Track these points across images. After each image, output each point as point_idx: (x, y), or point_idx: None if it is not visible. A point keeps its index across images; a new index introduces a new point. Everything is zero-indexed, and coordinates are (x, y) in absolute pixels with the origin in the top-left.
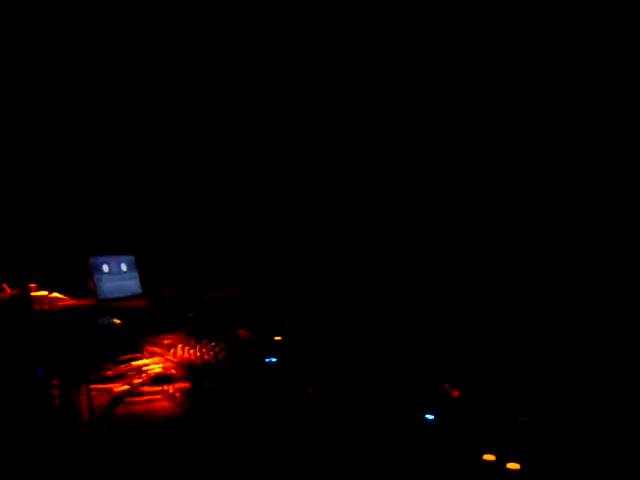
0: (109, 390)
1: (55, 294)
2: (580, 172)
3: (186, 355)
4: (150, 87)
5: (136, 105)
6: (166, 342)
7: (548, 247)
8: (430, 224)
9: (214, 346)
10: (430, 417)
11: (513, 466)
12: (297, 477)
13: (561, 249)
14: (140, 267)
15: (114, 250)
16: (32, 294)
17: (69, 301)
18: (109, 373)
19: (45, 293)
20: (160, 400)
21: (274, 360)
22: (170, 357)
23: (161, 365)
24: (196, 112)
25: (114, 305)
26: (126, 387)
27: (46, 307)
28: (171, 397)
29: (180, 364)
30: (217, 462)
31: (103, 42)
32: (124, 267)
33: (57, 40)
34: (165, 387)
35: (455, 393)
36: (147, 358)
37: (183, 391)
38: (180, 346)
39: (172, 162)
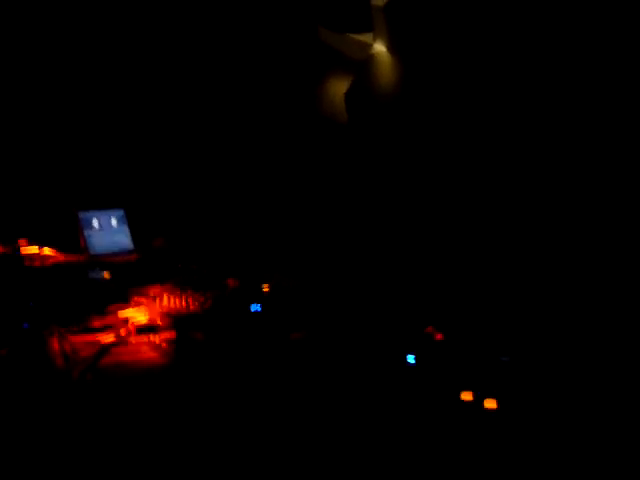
0: (95, 341)
1: (46, 249)
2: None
3: (172, 305)
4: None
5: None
6: (152, 293)
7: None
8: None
9: (200, 295)
10: (411, 359)
11: (490, 404)
12: (281, 426)
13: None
14: (130, 220)
15: (104, 203)
16: (23, 251)
17: (60, 257)
18: (96, 324)
19: (36, 249)
20: (146, 351)
21: (259, 308)
22: (156, 307)
23: (147, 316)
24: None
25: (104, 260)
26: (112, 338)
27: (37, 264)
28: (157, 347)
29: (166, 314)
30: (203, 414)
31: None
32: (114, 222)
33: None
34: (151, 337)
35: (438, 336)
36: (133, 309)
37: (169, 341)
38: (166, 296)
39: (157, 115)
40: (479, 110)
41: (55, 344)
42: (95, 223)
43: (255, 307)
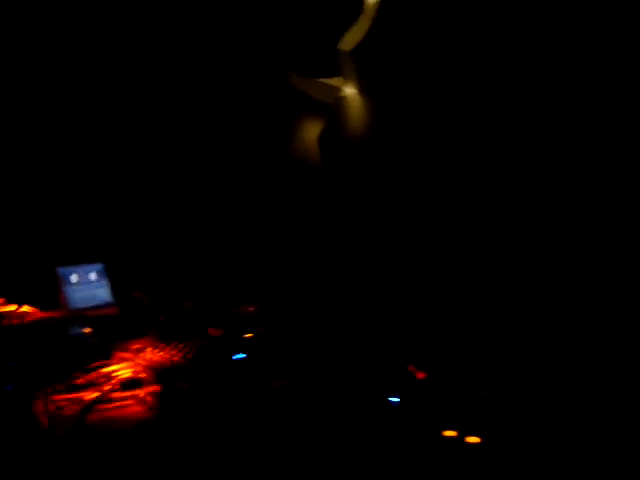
0: (79, 399)
1: (25, 307)
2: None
3: (155, 358)
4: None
5: (99, 113)
6: (135, 347)
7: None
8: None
9: (183, 347)
10: (395, 400)
11: (473, 440)
12: (269, 469)
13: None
14: (110, 275)
15: (82, 259)
16: (0, 310)
17: (39, 314)
18: (79, 381)
19: (14, 307)
20: (132, 405)
21: (243, 356)
22: (139, 361)
23: (131, 370)
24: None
25: (85, 315)
26: (96, 395)
27: (15, 322)
28: (142, 401)
29: (149, 367)
30: (192, 463)
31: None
32: (93, 276)
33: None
34: (136, 391)
35: (420, 375)
36: (117, 364)
37: (154, 394)
38: (150, 349)
39: (133, 173)
40: (451, 149)
41: (40, 404)
42: (74, 278)
43: (237, 356)
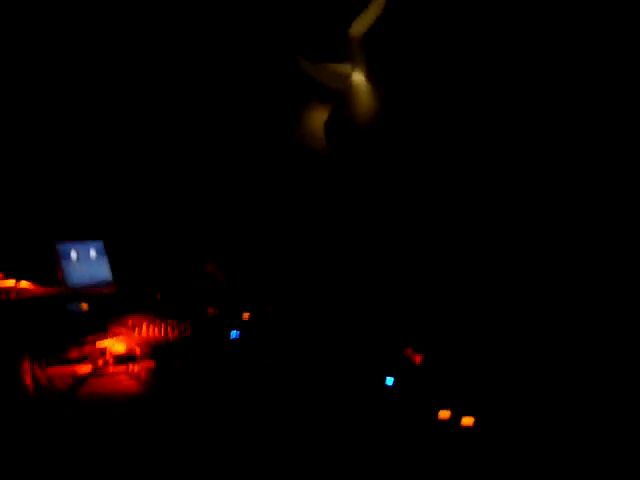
0: (72, 372)
1: (23, 282)
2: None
3: (151, 334)
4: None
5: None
6: (131, 322)
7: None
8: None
9: (180, 324)
10: (390, 381)
11: (467, 421)
12: (262, 451)
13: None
14: (109, 252)
15: (82, 235)
16: None
17: (37, 290)
18: (72, 355)
19: (12, 282)
20: (125, 380)
21: (238, 334)
22: (134, 337)
23: (125, 345)
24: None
25: (83, 291)
26: (89, 368)
27: (13, 297)
28: (136, 376)
29: (144, 343)
30: (181, 440)
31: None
32: (93, 253)
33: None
34: (130, 367)
35: (418, 358)
36: (111, 339)
37: (148, 370)
38: (145, 325)
39: (135, 149)
40: (458, 139)
41: (30, 376)
42: (73, 255)
43: (235, 334)
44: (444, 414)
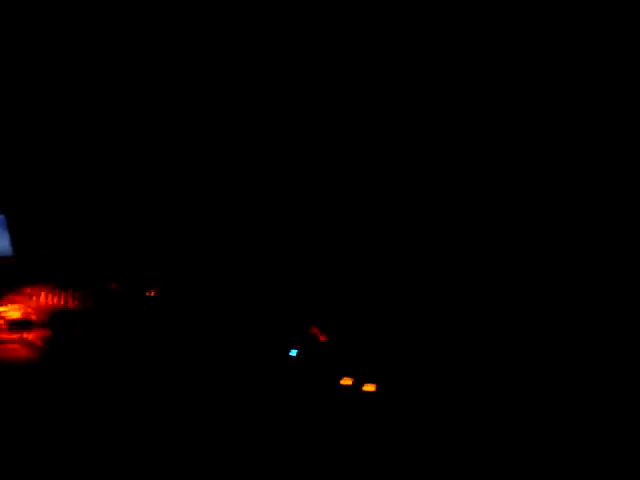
0: None
1: None
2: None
3: (50, 302)
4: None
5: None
6: (28, 290)
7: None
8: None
9: (80, 295)
10: (293, 353)
11: (369, 388)
12: (160, 423)
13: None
14: (11, 226)
15: None
16: None
17: None
18: None
19: None
20: (19, 349)
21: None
22: (32, 304)
23: (20, 311)
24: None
25: None
26: None
27: None
28: (31, 344)
29: (42, 310)
30: (75, 410)
31: None
32: None
33: None
34: (25, 334)
35: (322, 338)
36: (5, 306)
37: (45, 338)
38: (43, 293)
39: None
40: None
41: None
42: None
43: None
44: (346, 381)
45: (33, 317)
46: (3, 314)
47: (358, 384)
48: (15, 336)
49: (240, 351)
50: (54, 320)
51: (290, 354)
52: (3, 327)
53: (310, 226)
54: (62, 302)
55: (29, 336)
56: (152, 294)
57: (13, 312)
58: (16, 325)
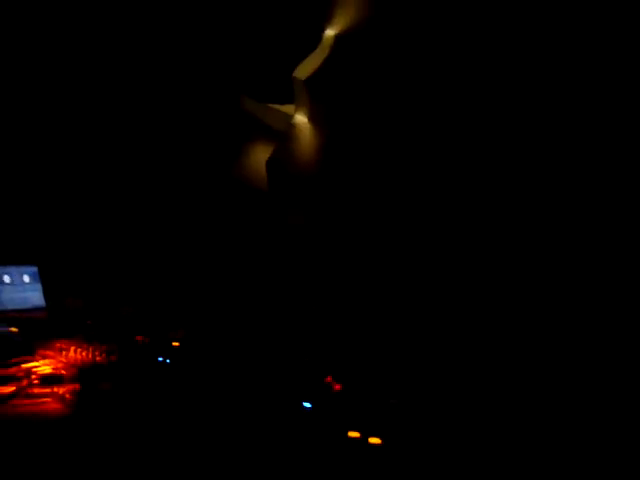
0: None
1: None
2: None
3: (78, 356)
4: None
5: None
6: (59, 346)
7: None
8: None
9: (107, 348)
10: (307, 405)
11: (374, 440)
12: (179, 470)
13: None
14: (43, 278)
15: (16, 260)
16: None
17: None
18: None
19: None
20: (50, 402)
21: (168, 361)
22: (61, 359)
23: (51, 366)
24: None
25: (14, 316)
26: (12, 388)
27: None
28: (61, 398)
29: (71, 365)
30: (107, 463)
31: None
32: (26, 278)
33: None
34: (55, 388)
35: (337, 387)
36: (38, 361)
37: (74, 392)
38: (73, 348)
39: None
40: (401, 186)
41: None
42: (6, 278)
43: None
44: (353, 434)
45: (63, 372)
46: (35, 369)
47: (365, 436)
48: (47, 390)
49: (257, 401)
50: (82, 374)
51: (304, 405)
52: (35, 382)
53: (325, 275)
54: (90, 356)
55: (59, 390)
56: (176, 344)
57: (44, 368)
58: (47, 380)
